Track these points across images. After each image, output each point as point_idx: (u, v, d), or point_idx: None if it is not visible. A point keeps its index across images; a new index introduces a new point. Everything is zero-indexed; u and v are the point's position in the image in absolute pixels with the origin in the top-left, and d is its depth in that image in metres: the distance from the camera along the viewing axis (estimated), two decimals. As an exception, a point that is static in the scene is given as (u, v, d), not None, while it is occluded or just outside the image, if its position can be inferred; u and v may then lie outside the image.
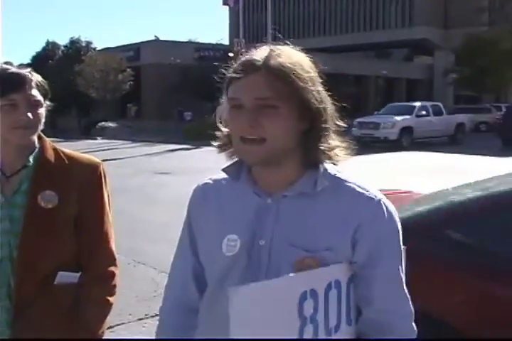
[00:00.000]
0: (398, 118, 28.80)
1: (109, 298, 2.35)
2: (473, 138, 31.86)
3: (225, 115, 1.75)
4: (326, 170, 1.72)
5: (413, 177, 15.42)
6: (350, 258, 1.67)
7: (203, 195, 1.89)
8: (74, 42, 63.20)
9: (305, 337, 1.61)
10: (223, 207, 1.81)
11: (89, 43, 63.20)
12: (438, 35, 67.41)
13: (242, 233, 1.72)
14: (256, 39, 66.64)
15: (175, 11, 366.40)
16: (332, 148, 1.70)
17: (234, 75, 1.65)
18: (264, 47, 1.68)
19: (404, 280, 1.72)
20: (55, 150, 2.36)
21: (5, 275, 2.22)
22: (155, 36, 55.71)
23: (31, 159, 2.28)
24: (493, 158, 21.47)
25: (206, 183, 1.91)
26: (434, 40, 67.37)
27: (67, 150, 2.40)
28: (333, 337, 1.65)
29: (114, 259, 2.41)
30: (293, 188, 1.69)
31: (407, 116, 29.16)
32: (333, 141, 1.70)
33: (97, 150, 24.38)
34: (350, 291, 1.69)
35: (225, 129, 1.77)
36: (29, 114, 2.18)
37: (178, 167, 20.10)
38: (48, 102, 2.31)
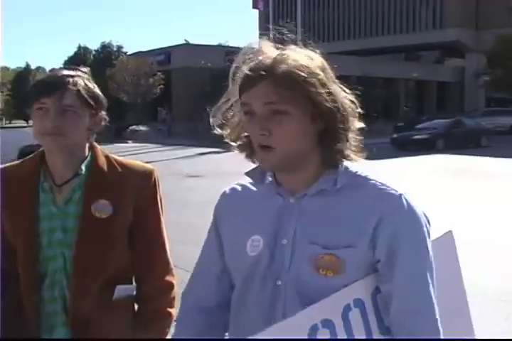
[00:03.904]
0: None
1: (171, 310, 2.27)
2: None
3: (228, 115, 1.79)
4: (346, 168, 1.73)
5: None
6: (371, 256, 1.65)
7: (230, 200, 1.91)
8: (105, 47, 63.83)
9: None
10: (248, 210, 1.83)
11: (120, 48, 63.80)
12: (469, 37, 66.73)
13: (265, 233, 1.74)
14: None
15: (205, 14, 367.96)
16: (348, 148, 1.70)
17: (244, 80, 1.66)
18: (271, 50, 1.68)
19: (429, 278, 1.65)
20: (107, 157, 2.28)
21: (60, 289, 2.16)
22: (185, 40, 56.00)
23: (83, 167, 2.21)
24: None
25: (233, 188, 1.93)
26: (466, 42, 66.71)
27: (119, 158, 2.33)
28: None
29: (172, 269, 2.33)
30: (314, 186, 1.71)
31: None
32: (350, 140, 1.70)
33: (129, 154, 24.53)
34: (378, 303, 1.67)
35: (222, 131, 1.81)
36: (57, 121, 2.09)
37: (208, 170, 20.17)
38: (103, 111, 2.23)
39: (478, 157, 23.73)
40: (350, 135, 1.69)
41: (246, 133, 1.75)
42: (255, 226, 1.78)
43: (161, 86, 48.92)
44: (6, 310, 2.15)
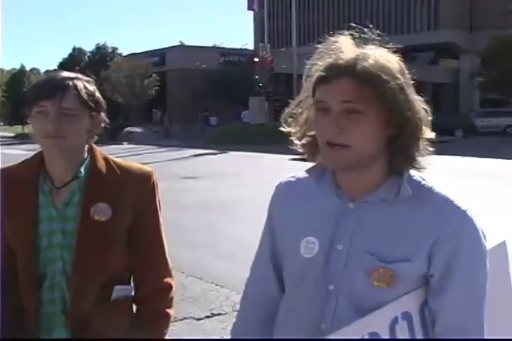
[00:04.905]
0: None
1: (169, 311, 2.28)
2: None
3: (305, 116, 1.73)
4: (410, 176, 1.68)
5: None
6: (425, 270, 1.63)
7: (285, 194, 1.89)
8: (100, 49, 63.93)
9: None
10: (303, 207, 1.80)
11: (115, 49, 63.89)
12: (464, 38, 66.81)
13: (321, 236, 1.72)
14: (281, 44, 66.33)
15: (199, 16, 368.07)
16: (417, 157, 1.65)
17: (321, 75, 1.60)
18: (350, 48, 1.63)
19: (482, 296, 1.63)
20: (106, 160, 2.28)
21: (59, 291, 2.17)
22: (180, 42, 55.86)
23: (82, 170, 2.20)
24: None
25: (288, 181, 1.90)
26: (460, 43, 66.78)
27: (118, 160, 2.32)
28: None
29: (170, 271, 2.34)
30: (375, 194, 1.67)
31: None
32: (421, 149, 1.65)
33: (123, 156, 24.44)
34: (426, 316, 1.67)
35: (289, 129, 1.76)
36: (57, 123, 2.08)
37: (204, 171, 20.12)
38: (102, 113, 2.22)
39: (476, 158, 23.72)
40: (421, 144, 1.65)
41: (311, 133, 1.71)
42: (310, 226, 1.75)
43: (156, 87, 48.90)
44: (6, 311, 2.16)
